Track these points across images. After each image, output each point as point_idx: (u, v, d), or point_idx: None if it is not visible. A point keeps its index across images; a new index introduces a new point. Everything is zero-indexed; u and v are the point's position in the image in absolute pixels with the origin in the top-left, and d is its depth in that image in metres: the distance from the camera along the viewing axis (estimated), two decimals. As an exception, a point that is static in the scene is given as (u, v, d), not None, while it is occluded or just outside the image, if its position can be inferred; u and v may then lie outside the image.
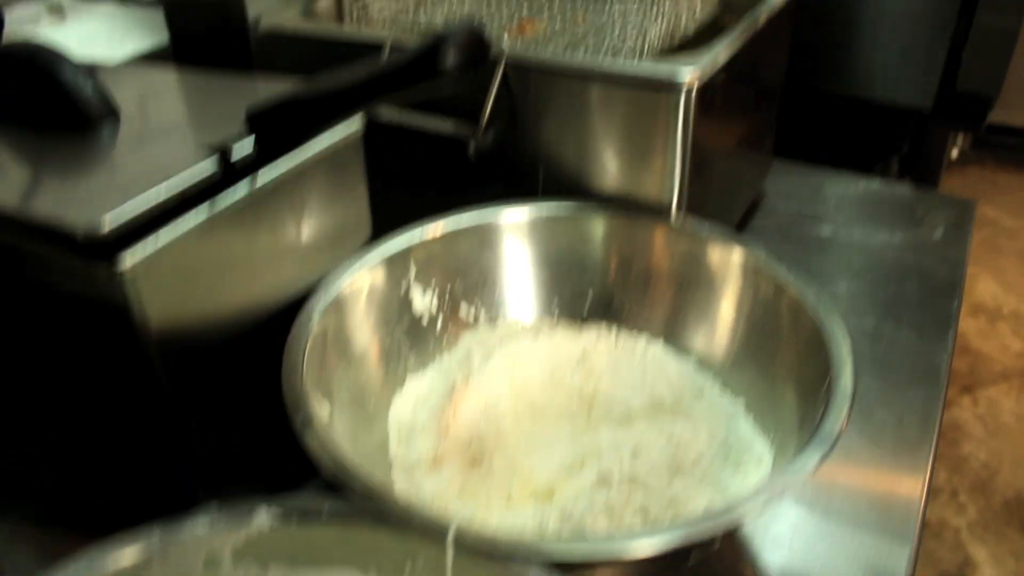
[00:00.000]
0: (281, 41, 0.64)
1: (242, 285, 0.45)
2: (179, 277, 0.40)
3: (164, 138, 0.45)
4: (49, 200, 0.39)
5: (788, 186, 0.81)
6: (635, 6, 0.59)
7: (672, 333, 0.54)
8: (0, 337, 0.45)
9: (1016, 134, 2.09)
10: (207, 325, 0.43)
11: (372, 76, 0.38)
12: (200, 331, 0.42)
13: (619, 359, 0.51)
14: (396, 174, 0.60)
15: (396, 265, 0.51)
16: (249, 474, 0.48)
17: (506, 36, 0.55)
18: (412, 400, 0.50)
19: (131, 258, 0.37)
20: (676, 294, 0.54)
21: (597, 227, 0.55)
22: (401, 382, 0.51)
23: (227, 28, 0.65)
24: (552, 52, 0.55)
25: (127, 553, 0.34)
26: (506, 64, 0.54)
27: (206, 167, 0.41)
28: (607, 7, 0.60)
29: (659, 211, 0.55)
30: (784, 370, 0.47)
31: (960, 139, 2.04)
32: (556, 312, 0.56)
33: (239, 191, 0.42)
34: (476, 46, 0.36)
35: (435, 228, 0.53)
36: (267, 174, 0.44)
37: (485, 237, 0.54)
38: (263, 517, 0.36)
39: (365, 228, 0.53)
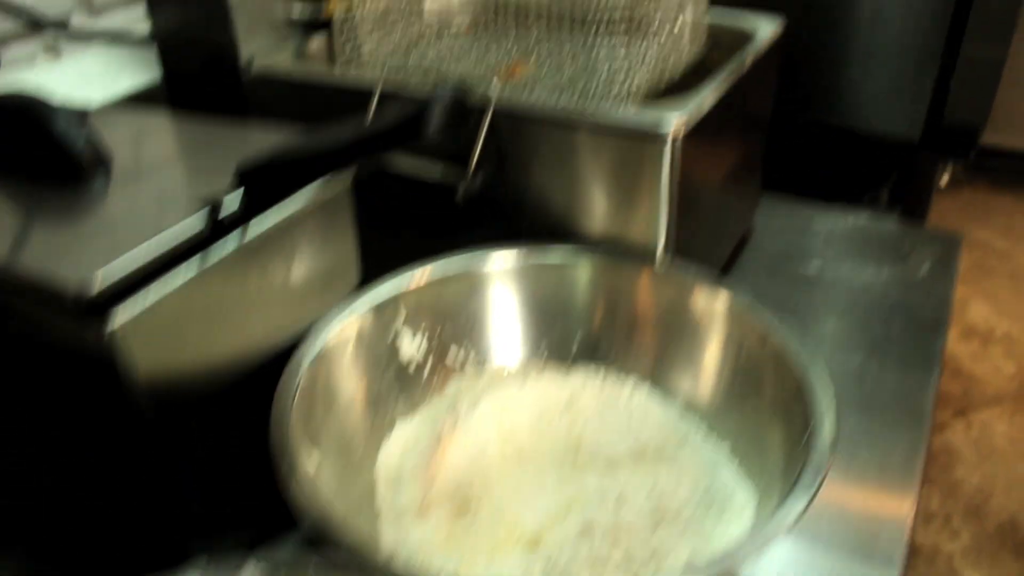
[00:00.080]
0: (274, 84, 0.64)
1: (231, 336, 0.45)
2: (168, 331, 0.41)
3: (156, 189, 0.45)
4: (39, 256, 0.40)
5: (777, 221, 0.82)
6: (622, 51, 0.60)
7: (659, 377, 0.54)
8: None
9: (1008, 156, 2.11)
10: (197, 377, 0.43)
11: (359, 138, 0.38)
12: (190, 383, 0.43)
13: (605, 404, 0.52)
14: (384, 218, 0.60)
15: (384, 312, 0.51)
16: (241, 522, 0.48)
17: (496, 79, 0.56)
18: (400, 447, 0.50)
19: (121, 316, 0.38)
20: (662, 339, 0.54)
21: (583, 272, 0.55)
22: (389, 428, 0.51)
23: (220, 69, 0.66)
24: (539, 98, 0.56)
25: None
26: (494, 110, 0.55)
27: (196, 222, 0.42)
28: (594, 51, 0.60)
29: (645, 255, 0.55)
30: (768, 415, 0.47)
31: (950, 167, 2.05)
32: (544, 355, 0.56)
33: (229, 244, 0.43)
34: (460, 109, 0.37)
35: (423, 274, 0.53)
36: (257, 226, 0.45)
37: (473, 283, 0.54)
38: (251, 572, 0.36)
39: (354, 273, 0.54)
